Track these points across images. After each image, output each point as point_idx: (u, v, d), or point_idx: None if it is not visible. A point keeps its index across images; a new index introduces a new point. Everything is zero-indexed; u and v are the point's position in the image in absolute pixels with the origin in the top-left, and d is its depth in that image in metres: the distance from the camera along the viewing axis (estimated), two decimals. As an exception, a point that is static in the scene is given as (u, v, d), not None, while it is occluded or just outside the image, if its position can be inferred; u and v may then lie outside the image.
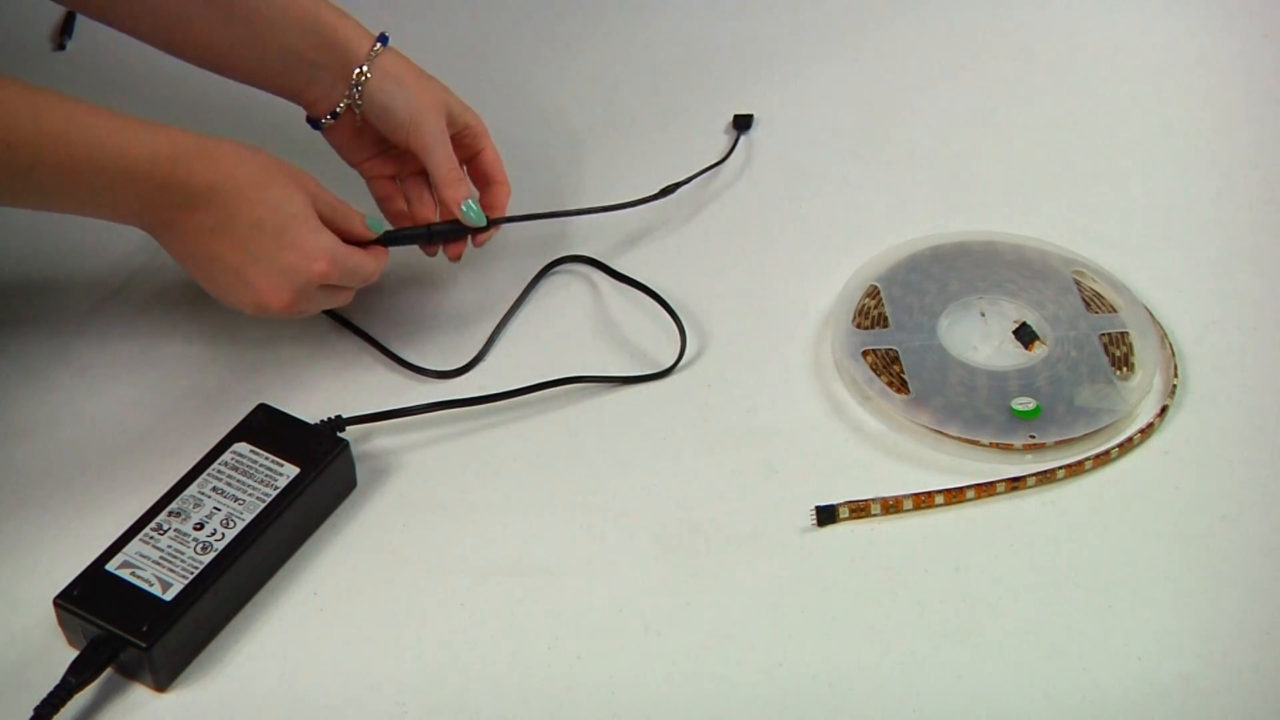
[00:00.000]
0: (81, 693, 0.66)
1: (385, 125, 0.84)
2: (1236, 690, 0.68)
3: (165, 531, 0.70)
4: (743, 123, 1.00)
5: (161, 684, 0.67)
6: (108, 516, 0.72)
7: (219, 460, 0.74)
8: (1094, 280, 0.88)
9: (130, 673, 0.68)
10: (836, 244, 0.92)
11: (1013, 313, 0.86)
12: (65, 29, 1.10)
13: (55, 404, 0.81)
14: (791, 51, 1.10)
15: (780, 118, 1.03)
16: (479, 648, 0.70)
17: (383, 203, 0.88)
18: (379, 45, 0.83)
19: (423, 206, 0.87)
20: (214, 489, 0.72)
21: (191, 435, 0.76)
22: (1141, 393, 0.81)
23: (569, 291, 0.90)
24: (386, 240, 0.82)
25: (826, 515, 0.75)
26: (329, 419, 0.77)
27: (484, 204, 0.85)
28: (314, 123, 0.86)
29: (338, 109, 0.84)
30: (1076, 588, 0.72)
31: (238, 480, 0.73)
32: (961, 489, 0.76)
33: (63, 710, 0.65)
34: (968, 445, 0.79)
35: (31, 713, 0.64)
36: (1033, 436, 0.78)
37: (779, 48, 1.10)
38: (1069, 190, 0.97)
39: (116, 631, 0.66)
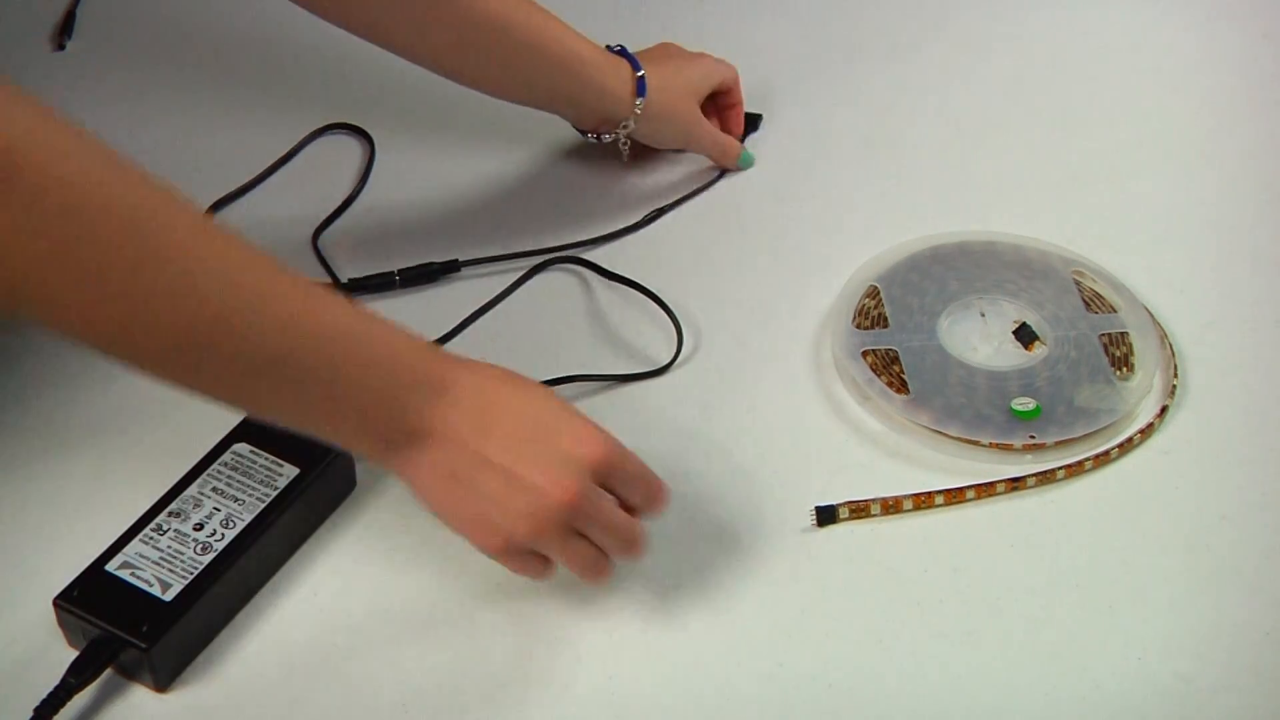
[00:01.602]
0: (81, 693, 0.66)
1: (662, 147, 0.97)
2: (1236, 690, 0.68)
3: (165, 532, 0.70)
4: (751, 122, 1.01)
5: (161, 684, 0.67)
6: (108, 516, 0.72)
7: (219, 460, 0.74)
8: (1094, 280, 0.88)
9: (130, 673, 0.68)
10: (836, 244, 0.92)
11: (1013, 313, 0.86)
12: (65, 29, 1.10)
13: (55, 404, 0.81)
14: (792, 52, 1.10)
15: (780, 117, 1.03)
16: (479, 648, 0.70)
17: None
18: (640, 100, 0.90)
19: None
20: (214, 489, 0.72)
21: (191, 435, 0.76)
22: (1141, 393, 0.81)
23: (565, 290, 0.90)
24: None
25: (826, 515, 0.75)
26: (329, 419, 0.77)
27: (727, 126, 0.99)
28: (583, 132, 0.95)
29: (606, 138, 0.94)
30: (1076, 588, 0.72)
31: (237, 480, 0.73)
32: (961, 489, 0.76)
33: (63, 710, 0.65)
34: (968, 445, 0.79)
35: (31, 713, 0.64)
36: (1033, 437, 0.78)
37: (780, 48, 1.10)
38: (1069, 190, 0.97)
39: (116, 632, 0.66)
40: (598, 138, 0.94)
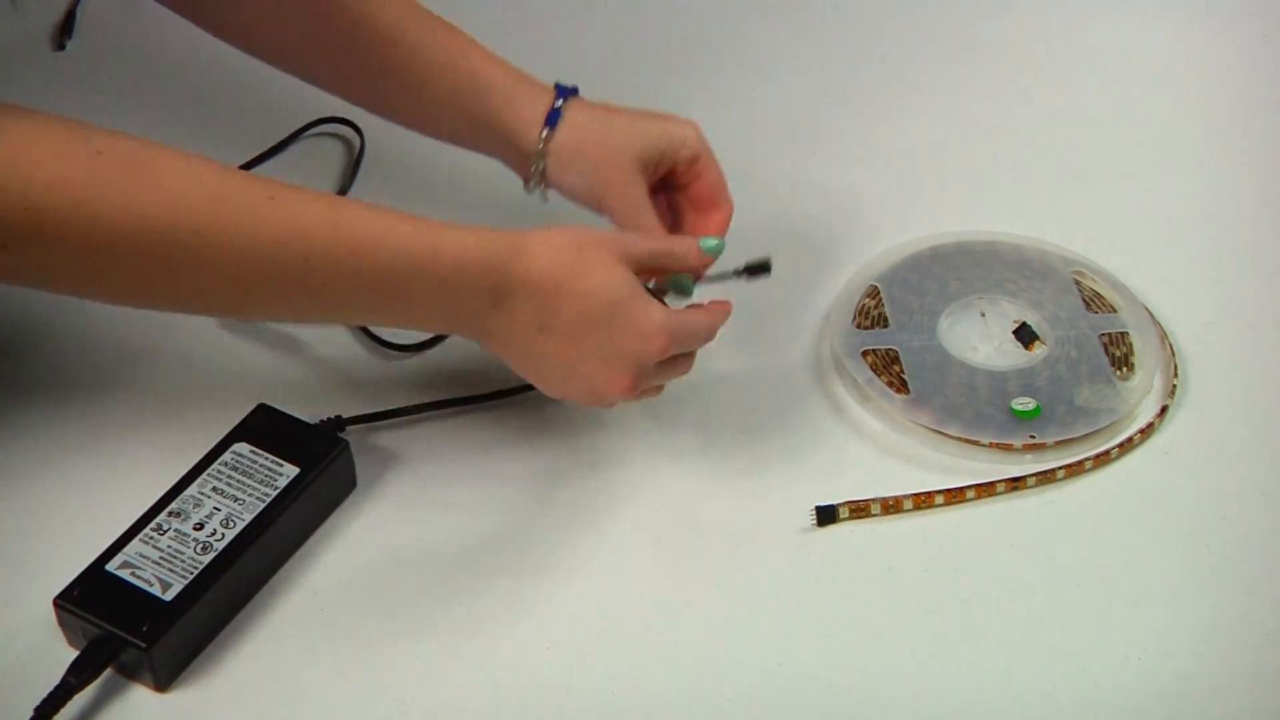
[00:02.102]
0: (81, 693, 0.66)
1: (583, 204, 0.79)
2: (1236, 690, 0.68)
3: (165, 532, 0.70)
4: (756, 269, 0.79)
5: (161, 684, 0.67)
6: (108, 516, 0.72)
7: (219, 460, 0.74)
8: (1094, 280, 0.88)
9: (130, 673, 0.68)
10: (836, 244, 0.92)
11: (1013, 313, 0.86)
12: (65, 29, 1.09)
13: (55, 404, 0.81)
14: (793, 51, 1.10)
15: (781, 118, 1.03)
16: (479, 647, 0.70)
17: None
18: (546, 130, 0.77)
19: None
20: (214, 489, 0.72)
21: (191, 435, 0.76)
22: (1141, 393, 0.81)
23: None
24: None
25: (826, 515, 0.75)
26: (329, 419, 0.77)
27: (700, 229, 0.79)
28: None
29: (531, 187, 0.80)
30: (1076, 588, 0.72)
31: (238, 480, 0.73)
32: (961, 489, 0.76)
33: (63, 710, 0.65)
34: (968, 445, 0.79)
35: (31, 713, 0.64)
36: (1033, 436, 0.78)
37: (782, 48, 1.10)
38: (1069, 190, 0.97)
39: (116, 632, 0.66)
40: (526, 184, 0.80)
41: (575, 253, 0.70)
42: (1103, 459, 0.78)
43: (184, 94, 1.05)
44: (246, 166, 0.97)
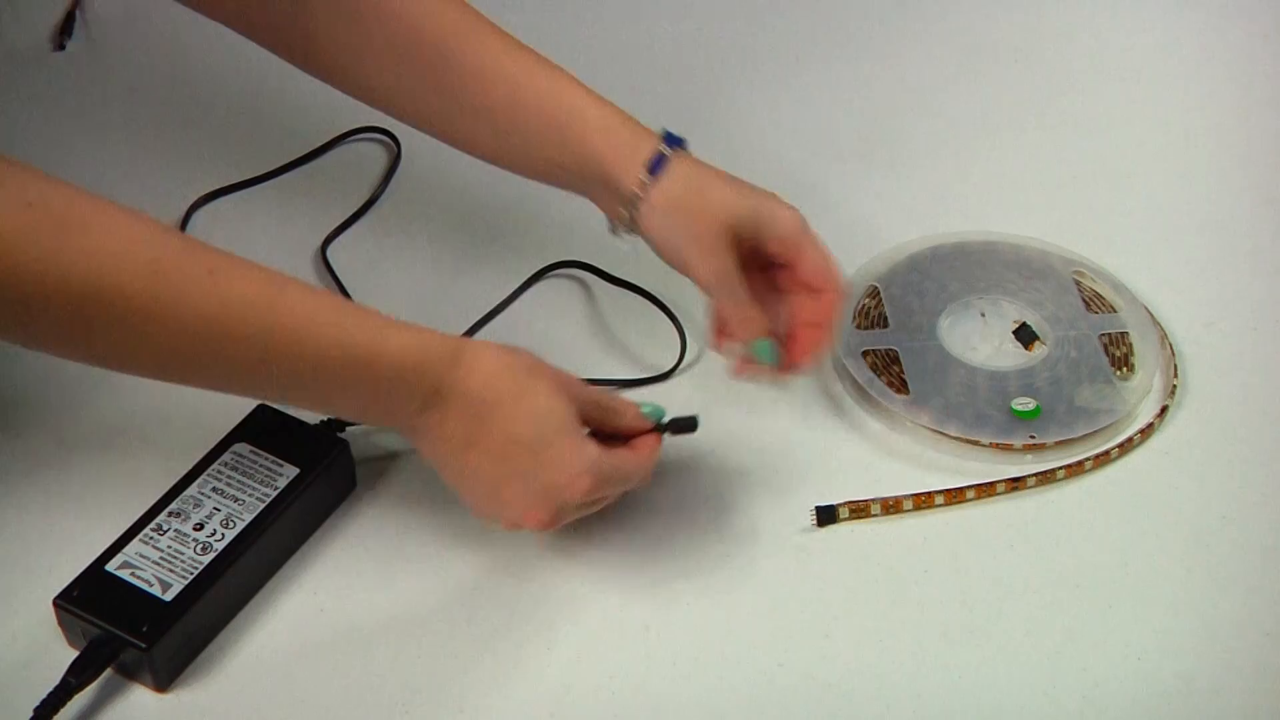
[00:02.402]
0: (81, 693, 0.66)
1: (666, 258, 0.75)
2: (1236, 690, 0.68)
3: (165, 532, 0.70)
4: (681, 425, 0.75)
5: (161, 684, 0.67)
6: (108, 516, 0.72)
7: (219, 460, 0.74)
8: (1094, 280, 0.88)
9: (130, 673, 0.68)
10: (836, 245, 0.91)
11: (1013, 313, 0.86)
12: (65, 29, 1.09)
13: (55, 404, 0.81)
14: (794, 52, 1.10)
15: (781, 119, 1.03)
16: (479, 647, 0.70)
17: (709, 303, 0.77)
18: (648, 175, 0.73)
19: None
20: (214, 489, 0.72)
21: (191, 435, 0.76)
22: (1141, 393, 0.81)
23: (568, 295, 0.90)
24: (664, 428, 0.73)
25: (826, 515, 0.75)
26: (329, 419, 0.77)
27: (806, 315, 0.75)
28: (612, 228, 0.78)
29: (619, 232, 0.76)
30: (1076, 588, 0.72)
31: (237, 481, 0.73)
32: (961, 489, 0.76)
33: (63, 710, 0.65)
34: (968, 445, 0.79)
35: (31, 713, 0.64)
36: (1033, 437, 0.78)
37: (782, 48, 1.10)
38: (1069, 190, 0.97)
39: (116, 632, 0.66)
40: (612, 227, 0.77)
41: (520, 373, 0.68)
42: (1103, 459, 0.78)
43: (184, 96, 1.05)
44: (275, 174, 0.97)
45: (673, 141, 0.75)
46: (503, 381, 0.67)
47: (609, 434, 0.71)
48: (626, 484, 0.71)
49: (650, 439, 0.73)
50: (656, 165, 0.73)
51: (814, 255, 0.75)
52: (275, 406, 0.77)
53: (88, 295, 0.59)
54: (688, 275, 0.75)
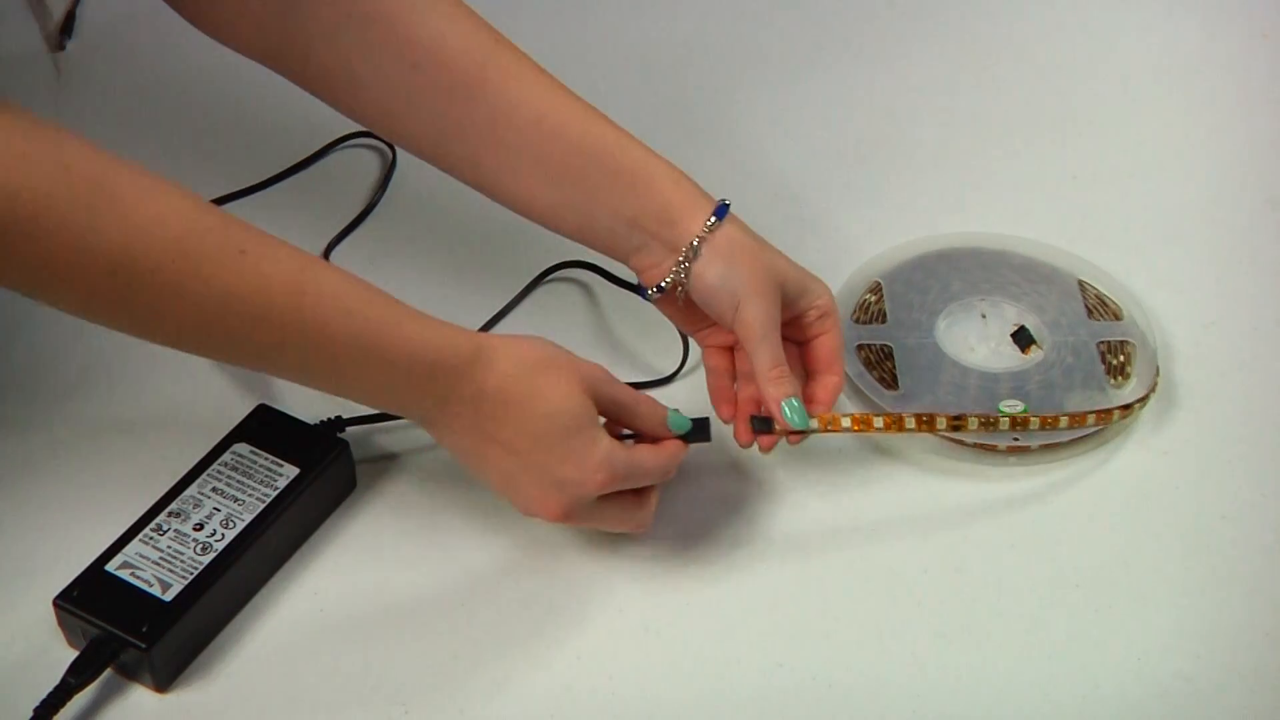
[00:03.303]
0: (81, 693, 0.66)
1: (712, 307, 0.74)
2: (1236, 690, 0.68)
3: (165, 532, 0.70)
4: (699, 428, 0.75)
5: (161, 684, 0.67)
6: (108, 516, 0.72)
7: (219, 460, 0.74)
8: (1099, 287, 0.88)
9: (130, 673, 0.68)
10: (841, 246, 0.92)
11: (1014, 316, 0.86)
12: (65, 29, 1.09)
13: (55, 404, 0.81)
14: (799, 55, 1.10)
15: (786, 121, 1.03)
16: (479, 648, 0.70)
17: (711, 375, 0.78)
18: (714, 219, 0.73)
19: (749, 386, 0.77)
20: (214, 489, 0.72)
21: (191, 435, 0.76)
22: (1131, 400, 0.81)
23: (570, 298, 0.90)
24: (688, 436, 0.73)
25: (762, 425, 0.74)
26: (329, 419, 0.77)
27: (807, 394, 0.76)
28: (641, 290, 0.77)
29: (664, 282, 0.74)
30: (1076, 588, 0.72)
31: (237, 481, 0.73)
32: (931, 417, 0.77)
33: (63, 710, 0.65)
34: (952, 445, 0.78)
35: (31, 713, 0.64)
36: (1016, 439, 0.78)
37: (786, 51, 1.10)
38: (1082, 195, 0.97)
39: (116, 632, 0.66)
40: (657, 289, 0.75)
41: (539, 370, 0.68)
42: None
43: (184, 96, 1.05)
44: (269, 184, 0.97)
45: (723, 204, 0.75)
46: (520, 380, 0.68)
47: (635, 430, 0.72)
48: (646, 479, 0.71)
49: (674, 444, 0.73)
50: (721, 212, 0.74)
51: (836, 335, 0.76)
52: (276, 408, 0.77)
53: (117, 264, 0.58)
54: (734, 320, 0.73)
